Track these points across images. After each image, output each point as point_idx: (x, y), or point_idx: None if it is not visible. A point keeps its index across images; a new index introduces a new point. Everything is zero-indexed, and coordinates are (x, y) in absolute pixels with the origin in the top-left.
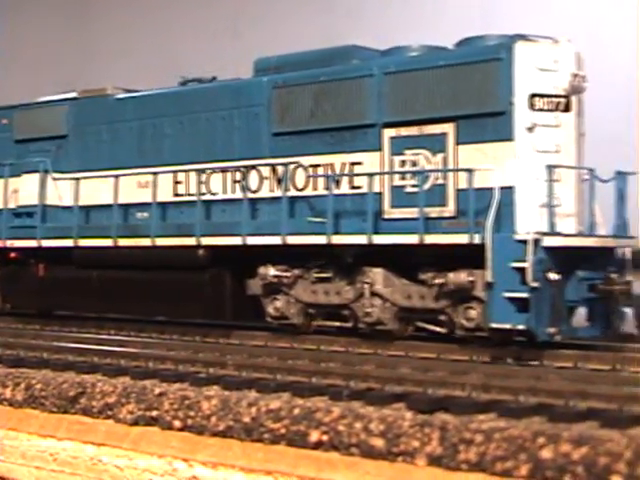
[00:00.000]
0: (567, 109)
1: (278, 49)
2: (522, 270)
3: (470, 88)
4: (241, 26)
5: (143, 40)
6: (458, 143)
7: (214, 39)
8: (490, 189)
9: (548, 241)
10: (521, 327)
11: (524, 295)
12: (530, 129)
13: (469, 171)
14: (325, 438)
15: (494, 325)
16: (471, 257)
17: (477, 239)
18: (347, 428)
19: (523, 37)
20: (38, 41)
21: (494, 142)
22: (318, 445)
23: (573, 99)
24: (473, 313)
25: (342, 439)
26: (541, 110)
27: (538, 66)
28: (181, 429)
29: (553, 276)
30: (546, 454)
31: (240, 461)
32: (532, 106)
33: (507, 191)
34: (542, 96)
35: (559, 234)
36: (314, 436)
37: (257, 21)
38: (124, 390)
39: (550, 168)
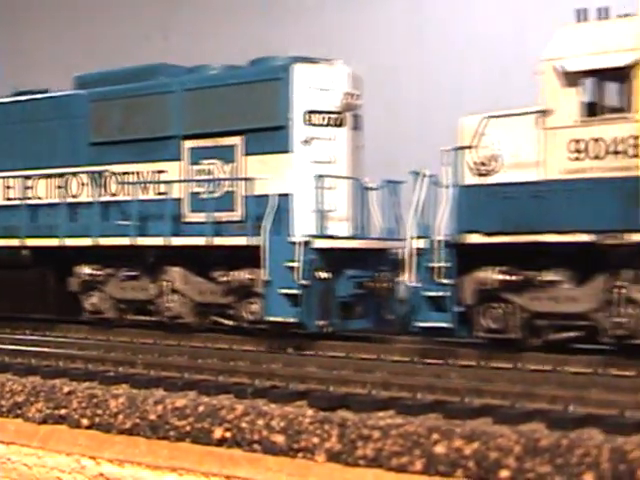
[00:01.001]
0: (341, 124)
1: (208, 52)
2: (294, 269)
3: (255, 104)
4: (171, 29)
5: (73, 43)
6: (246, 154)
7: (144, 42)
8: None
9: (318, 243)
10: (292, 320)
11: (295, 291)
12: (306, 142)
13: (248, 180)
14: (228, 435)
15: (270, 318)
16: (256, 257)
17: (255, 241)
18: (250, 425)
19: (302, 59)
20: None
21: (275, 154)
22: (222, 442)
23: (347, 115)
24: (254, 307)
25: (245, 436)
26: (316, 125)
27: (314, 85)
28: (89, 427)
29: (322, 274)
30: (439, 449)
31: (146, 458)
32: (308, 121)
33: (285, 198)
34: (317, 112)
35: (331, 237)
36: (218, 433)
37: (187, 24)
38: (33, 389)
39: (320, 177)
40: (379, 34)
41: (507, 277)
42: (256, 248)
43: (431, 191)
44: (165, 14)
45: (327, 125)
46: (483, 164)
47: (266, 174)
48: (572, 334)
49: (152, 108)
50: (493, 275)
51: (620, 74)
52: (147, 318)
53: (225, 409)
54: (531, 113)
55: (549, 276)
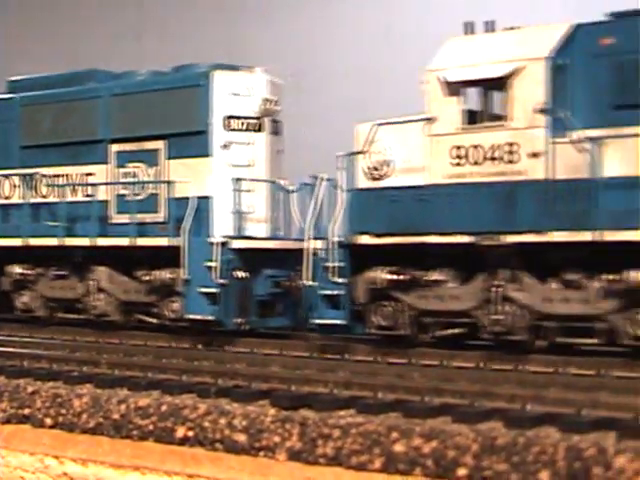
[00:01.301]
0: (260, 129)
1: (179, 51)
2: (212, 269)
3: (177, 110)
4: (143, 28)
5: (44, 41)
6: (169, 158)
7: (116, 40)
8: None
9: (235, 244)
10: (211, 318)
11: (213, 290)
12: (225, 146)
13: (170, 183)
14: (191, 434)
15: (190, 316)
16: (178, 257)
17: (176, 242)
18: (212, 424)
19: (223, 66)
20: None
21: (195, 157)
22: (184, 441)
23: (266, 120)
24: (175, 306)
25: (207, 435)
26: (235, 130)
27: (233, 92)
28: (52, 427)
29: (240, 274)
30: (399, 448)
31: (109, 457)
32: (227, 126)
33: (205, 200)
34: (236, 118)
35: (248, 237)
36: (180, 432)
37: (159, 23)
38: None
39: (237, 180)
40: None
41: (395, 277)
42: (177, 248)
43: (332, 194)
44: (138, 14)
45: (246, 130)
46: (376, 169)
47: (187, 177)
48: (457, 330)
49: (81, 113)
50: (382, 275)
51: (498, 84)
52: (75, 316)
53: (188, 408)
54: (418, 121)
55: (434, 276)
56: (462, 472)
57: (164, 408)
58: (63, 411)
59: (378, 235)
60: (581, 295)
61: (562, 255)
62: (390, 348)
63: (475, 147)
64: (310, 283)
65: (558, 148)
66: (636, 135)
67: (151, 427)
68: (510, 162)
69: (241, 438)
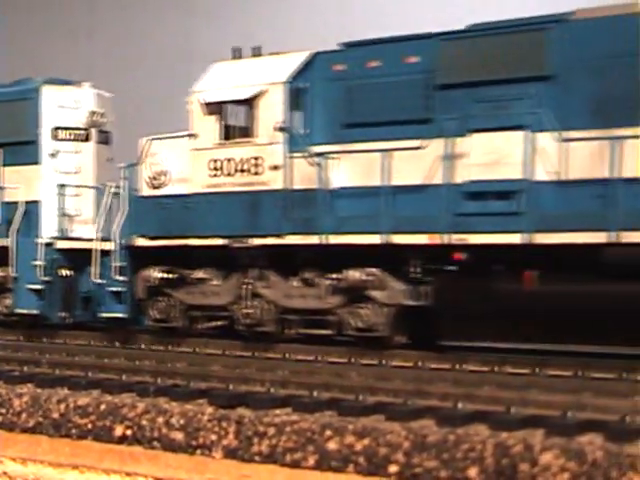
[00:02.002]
0: (87, 139)
1: (131, 48)
2: (37, 267)
3: (12, 121)
4: (95, 25)
5: None
6: (4, 165)
7: (68, 37)
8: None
9: (59, 244)
10: (36, 312)
11: (39, 287)
12: (53, 155)
13: (1, 189)
14: (129, 432)
15: (19, 310)
16: None
17: (5, 242)
18: (150, 423)
19: (52, 81)
20: None
21: (27, 165)
22: (122, 439)
23: (93, 131)
24: (8, 301)
25: (145, 433)
26: (63, 140)
27: (61, 105)
28: None
29: (64, 272)
30: (332, 445)
31: (48, 456)
32: (55, 137)
33: (35, 204)
34: (64, 129)
35: (71, 238)
36: (119, 430)
37: (111, 20)
38: None
39: (62, 186)
40: None
41: (165, 275)
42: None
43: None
44: (90, 14)
45: (73, 140)
46: (155, 178)
47: (20, 183)
48: (219, 323)
49: None
50: (155, 273)
51: (246, 105)
52: None
53: (126, 407)
54: (183, 136)
55: (199, 274)
56: (393, 469)
57: (103, 407)
58: (3, 410)
59: (152, 238)
60: (315, 292)
61: (301, 256)
62: (164, 338)
63: (228, 160)
64: (98, 280)
65: (295, 162)
66: (362, 151)
67: (90, 426)
68: (256, 174)
69: (178, 436)
